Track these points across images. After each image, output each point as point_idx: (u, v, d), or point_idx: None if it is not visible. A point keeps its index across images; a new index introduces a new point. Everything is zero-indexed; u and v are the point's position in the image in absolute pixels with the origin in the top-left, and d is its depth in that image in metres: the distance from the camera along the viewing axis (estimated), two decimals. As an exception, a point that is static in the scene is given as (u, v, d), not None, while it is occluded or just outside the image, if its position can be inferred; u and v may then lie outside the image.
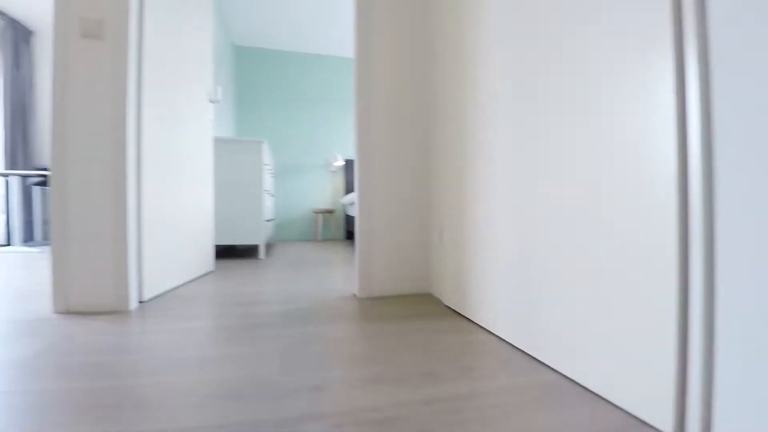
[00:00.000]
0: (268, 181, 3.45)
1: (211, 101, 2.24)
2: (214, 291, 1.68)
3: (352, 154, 5.36)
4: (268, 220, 3.33)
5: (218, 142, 2.86)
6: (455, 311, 1.32)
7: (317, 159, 5.23)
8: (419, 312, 1.32)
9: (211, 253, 2.29)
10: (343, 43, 4.97)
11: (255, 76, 5.08)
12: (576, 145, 0.77)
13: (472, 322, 1.20)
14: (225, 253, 3.32)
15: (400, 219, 1.61)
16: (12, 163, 3.93)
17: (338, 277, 2.05)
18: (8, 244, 3.86)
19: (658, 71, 0.60)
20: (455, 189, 1.34)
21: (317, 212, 4.76)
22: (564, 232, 0.80)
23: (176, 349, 0.98)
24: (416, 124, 1.65)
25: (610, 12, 0.69)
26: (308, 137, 5.21)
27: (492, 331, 1.08)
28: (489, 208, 1.10)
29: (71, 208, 1.36)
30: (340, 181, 5.30)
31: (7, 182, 3.78)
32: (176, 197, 1.81)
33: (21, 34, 4.06)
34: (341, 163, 5.14)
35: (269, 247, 4.11)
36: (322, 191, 5.25)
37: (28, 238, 4.04)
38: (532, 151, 0.91)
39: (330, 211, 4.86)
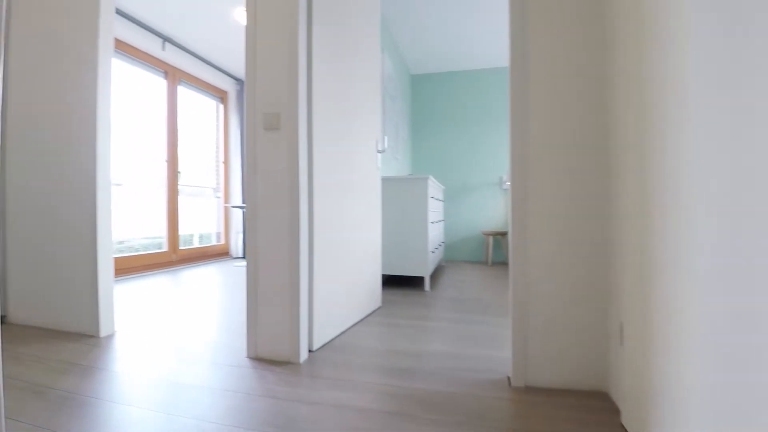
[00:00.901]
0: (435, 212, 3.49)
1: (378, 152, 2.38)
2: (373, 344, 1.77)
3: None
4: (433, 251, 3.36)
5: (387, 180, 3.03)
6: (637, 439, 1.01)
7: (489, 177, 5.02)
8: (584, 430, 1.07)
9: (378, 289, 2.44)
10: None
11: (428, 100, 5.24)
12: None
13: (660, 472, 0.89)
14: (394, 280, 3.50)
15: (568, 291, 1.34)
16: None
17: (497, 338, 1.88)
18: (243, 257, 5.01)
19: None
20: (637, 267, 1.03)
21: (487, 234, 4.55)
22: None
23: (315, 429, 1.04)
24: (590, 167, 1.34)
25: None
26: (480, 154, 5.06)
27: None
28: (675, 305, 0.79)
29: (260, 260, 1.62)
30: (513, 201, 4.97)
31: (243, 213, 4.92)
32: (346, 242, 1.97)
33: (252, 93, 5.20)
34: (515, 181, 4.80)
35: (438, 270, 4.15)
36: (493, 211, 5.01)
37: (255, 253, 5.16)
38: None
39: (502, 233, 4.57)
